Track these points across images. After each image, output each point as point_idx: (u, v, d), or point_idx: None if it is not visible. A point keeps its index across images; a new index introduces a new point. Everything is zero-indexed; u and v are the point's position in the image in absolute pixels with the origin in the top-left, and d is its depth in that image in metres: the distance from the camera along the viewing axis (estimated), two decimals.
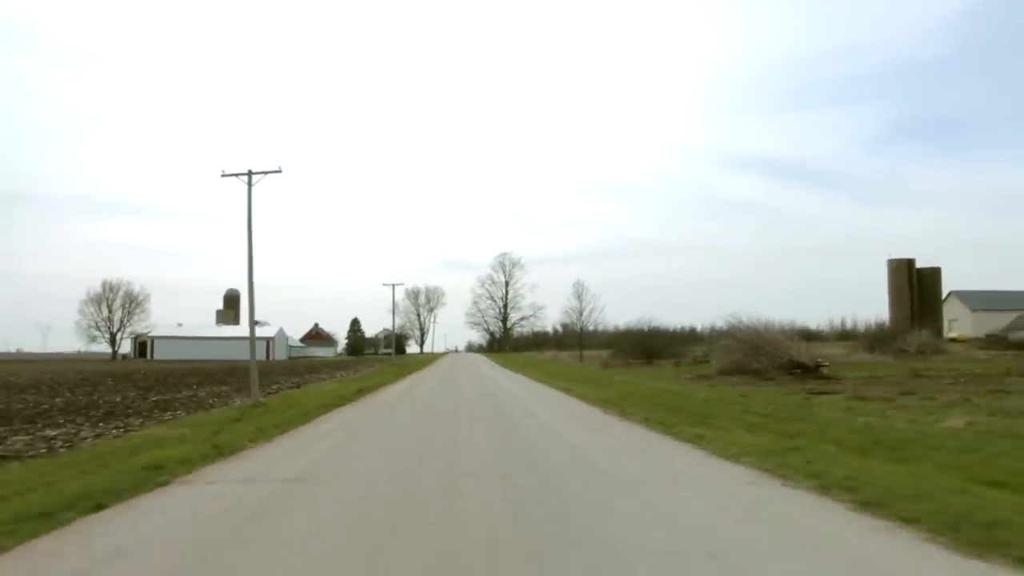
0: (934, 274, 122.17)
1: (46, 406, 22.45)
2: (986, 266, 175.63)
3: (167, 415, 19.50)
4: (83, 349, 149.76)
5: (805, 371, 35.46)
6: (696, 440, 11.12)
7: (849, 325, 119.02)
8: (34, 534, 5.97)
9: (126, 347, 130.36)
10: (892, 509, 6.19)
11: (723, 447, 10.22)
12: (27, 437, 14.93)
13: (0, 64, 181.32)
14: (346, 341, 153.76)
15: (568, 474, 8.87)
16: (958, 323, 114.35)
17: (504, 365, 62.10)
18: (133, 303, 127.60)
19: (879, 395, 19.34)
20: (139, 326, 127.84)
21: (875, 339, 76.13)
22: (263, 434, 13.03)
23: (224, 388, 32.24)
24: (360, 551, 5.50)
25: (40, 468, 10.41)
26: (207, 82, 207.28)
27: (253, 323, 24.01)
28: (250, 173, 21.32)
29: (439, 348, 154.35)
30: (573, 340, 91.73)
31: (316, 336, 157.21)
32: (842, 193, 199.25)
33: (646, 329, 68.37)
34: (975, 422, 12.78)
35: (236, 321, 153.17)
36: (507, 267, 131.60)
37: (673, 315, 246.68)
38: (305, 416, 16.84)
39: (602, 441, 12.33)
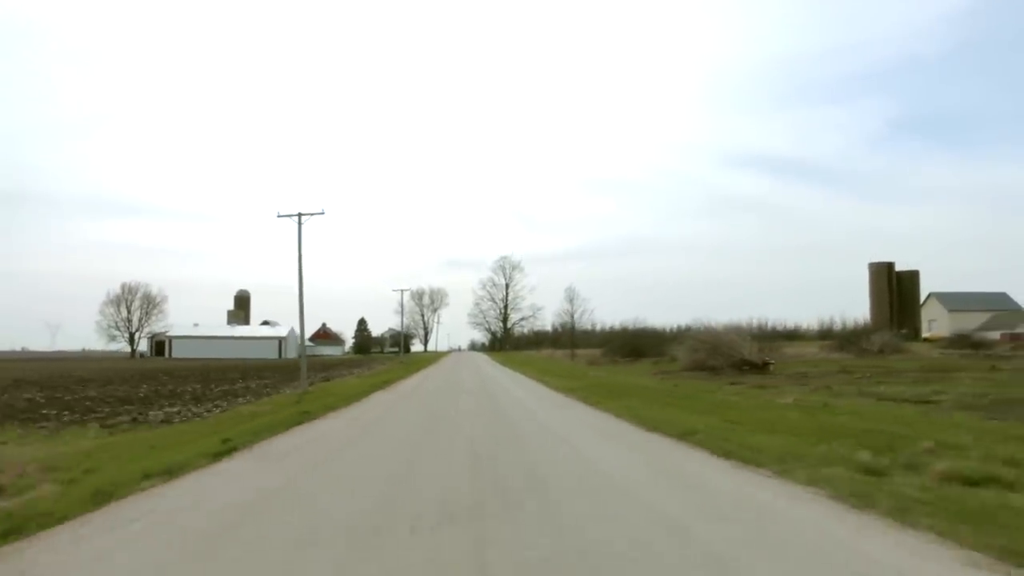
0: (913, 277, 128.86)
1: (141, 394, 29.00)
2: (986, 264, 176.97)
3: (239, 400, 25.99)
4: (87, 348, 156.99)
5: (753, 368, 41.82)
6: (601, 406, 17.90)
7: (838, 324, 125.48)
8: (256, 441, 12.46)
9: (140, 346, 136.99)
10: (656, 426, 12.85)
11: (611, 409, 16.83)
12: (160, 412, 21.42)
13: (9, 61, 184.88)
14: (353, 340, 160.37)
15: (519, 419, 15.62)
16: (937, 323, 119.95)
17: (501, 363, 68.72)
18: (151, 304, 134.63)
19: (774, 384, 25.83)
20: (156, 326, 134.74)
21: (845, 339, 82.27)
22: (331, 408, 19.60)
23: (267, 381, 38.71)
24: (418, 439, 12.12)
25: (202, 426, 16.89)
26: (211, 81, 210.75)
27: (304, 334, 30.44)
28: (300, 215, 27.84)
29: (442, 347, 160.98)
30: (568, 339, 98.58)
31: (324, 335, 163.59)
32: (844, 190, 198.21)
33: (633, 329, 75.25)
34: (802, 400, 19.23)
35: (246, 321, 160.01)
36: (507, 270, 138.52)
37: (674, 313, 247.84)
38: (350, 399, 23.42)
39: (546, 407, 19.26)
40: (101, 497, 7.35)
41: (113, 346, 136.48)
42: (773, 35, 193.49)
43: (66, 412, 20.93)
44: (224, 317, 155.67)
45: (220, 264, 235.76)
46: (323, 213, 28.27)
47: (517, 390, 28.34)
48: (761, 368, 42.40)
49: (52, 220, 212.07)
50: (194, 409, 22.02)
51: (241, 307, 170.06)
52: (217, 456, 10.27)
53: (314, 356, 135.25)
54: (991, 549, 4.95)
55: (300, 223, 27.85)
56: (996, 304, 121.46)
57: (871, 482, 7.37)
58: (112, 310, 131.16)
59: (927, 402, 18.75)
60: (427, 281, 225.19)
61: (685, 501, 7.03)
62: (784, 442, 10.43)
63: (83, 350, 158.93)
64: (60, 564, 5.25)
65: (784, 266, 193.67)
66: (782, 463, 8.67)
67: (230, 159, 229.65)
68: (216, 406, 22.83)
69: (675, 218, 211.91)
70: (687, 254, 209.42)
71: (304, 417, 16.32)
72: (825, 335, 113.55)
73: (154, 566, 5.13)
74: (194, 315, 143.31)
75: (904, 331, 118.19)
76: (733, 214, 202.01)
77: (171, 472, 8.84)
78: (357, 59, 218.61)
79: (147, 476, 8.53)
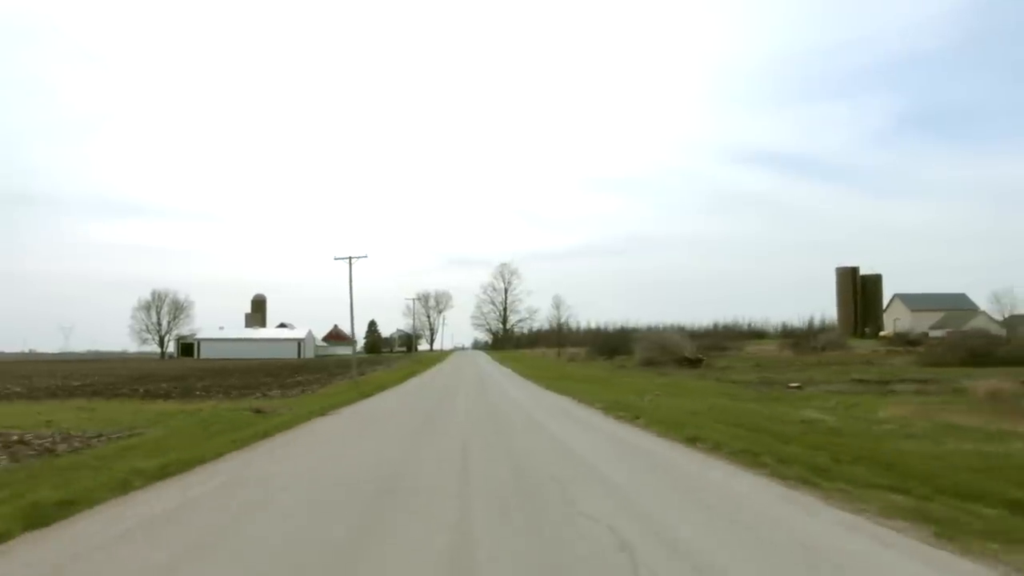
0: (876, 280, 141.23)
1: (247, 383, 41.02)
2: (987, 259, 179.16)
3: (314, 386, 37.86)
4: (91, 348, 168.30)
5: (690, 363, 53.82)
6: (543, 384, 30.52)
7: (804, 323, 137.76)
8: (353, 401, 24.63)
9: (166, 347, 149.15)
10: (566, 393, 25.26)
11: (550, 387, 29.08)
12: (280, 391, 33.42)
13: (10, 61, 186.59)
14: (364, 340, 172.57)
15: (494, 389, 28.07)
16: (900, 322, 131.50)
17: (496, 360, 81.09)
18: (178, 309, 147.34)
19: (698, 373, 37.93)
20: (183, 329, 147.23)
21: (797, 338, 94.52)
22: (383, 388, 31.78)
23: (317, 376, 50.70)
24: (443, 400, 24.39)
25: (326, 394, 29.01)
26: (215, 80, 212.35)
27: (354, 343, 42.42)
28: (351, 258, 39.99)
29: (447, 346, 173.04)
30: (563, 339, 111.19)
31: (336, 336, 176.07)
32: (850, 185, 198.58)
33: (610, 330, 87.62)
34: (680, 382, 31.35)
35: (263, 323, 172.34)
36: (506, 276, 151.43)
37: (678, 309, 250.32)
38: (393, 384, 35.53)
39: (517, 384, 31.94)
40: (336, 407, 19.59)
41: (146, 348, 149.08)
42: (777, 31, 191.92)
43: (242, 390, 33.04)
44: (237, 316, 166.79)
45: (228, 264, 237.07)
46: (366, 256, 40.47)
47: (501, 378, 40.59)
48: (695, 363, 54.40)
49: (58, 221, 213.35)
50: (297, 390, 34.08)
51: (258, 310, 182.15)
52: (361, 397, 22.52)
53: (329, 356, 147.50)
54: (676, 436, 17.10)
55: (351, 265, 40.10)
56: (954, 304, 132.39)
57: (631, 405, 19.37)
58: (143, 315, 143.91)
59: (746, 383, 30.92)
60: (432, 279, 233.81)
61: (556, 419, 19.15)
62: (617, 398, 22.53)
63: (87, 351, 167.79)
64: (334, 423, 17.42)
65: (789, 261, 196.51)
66: (608, 404, 20.75)
67: (236, 159, 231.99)
68: (304, 390, 34.86)
69: (679, 215, 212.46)
70: (691, 250, 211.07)
71: (374, 392, 28.53)
72: (788, 334, 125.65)
73: (371, 421, 17.35)
74: (205, 315, 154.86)
75: (868, 329, 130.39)
76: (739, 210, 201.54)
77: (351, 402, 21.06)
78: (366, 61, 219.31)
79: (342, 405, 20.72)
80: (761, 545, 5.75)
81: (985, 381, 20.20)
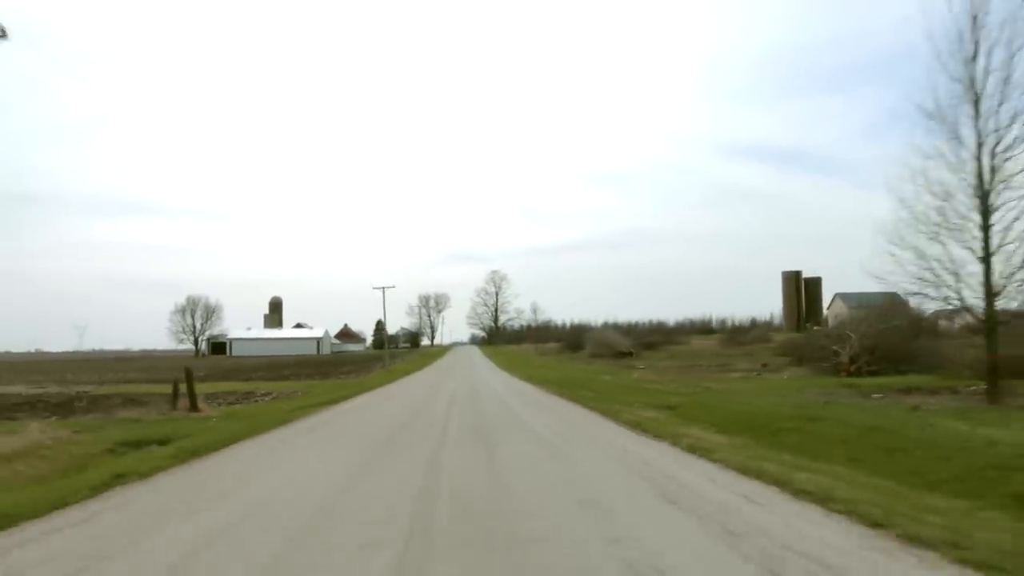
0: (816, 282, 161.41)
1: (301, 373, 61.29)
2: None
3: (352, 375, 58.08)
4: (97, 347, 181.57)
5: (623, 355, 74.04)
6: (505, 368, 51.31)
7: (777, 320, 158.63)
8: (421, 367, 45.18)
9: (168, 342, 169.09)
10: (512, 372, 45.92)
11: (512, 371, 49.63)
12: (338, 378, 53.70)
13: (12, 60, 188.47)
14: (372, 338, 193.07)
15: (478, 371, 48.67)
16: (838, 318, 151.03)
17: (486, 355, 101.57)
18: (210, 312, 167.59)
19: (626, 364, 58.28)
20: (214, 330, 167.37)
21: (732, 333, 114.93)
22: (415, 371, 52.35)
23: (359, 367, 70.95)
24: (450, 371, 44.91)
25: (376, 377, 49.48)
26: (220, 77, 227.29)
27: (387, 345, 62.77)
28: (384, 288, 60.06)
29: (447, 340, 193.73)
30: (540, 336, 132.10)
31: (347, 334, 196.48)
32: (844, 179, 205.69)
33: (576, 327, 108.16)
34: (595, 367, 51.78)
35: (280, 324, 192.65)
36: (497, 281, 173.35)
37: (672, 301, 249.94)
38: (417, 369, 55.91)
39: (488, 365, 53.38)
40: (399, 376, 40.19)
41: (181, 346, 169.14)
42: (771, 25, 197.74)
43: (322, 375, 53.46)
44: (250, 314, 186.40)
45: (233, 261, 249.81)
46: (394, 287, 60.58)
47: (482, 365, 60.97)
48: (627, 355, 74.64)
49: (60, 220, 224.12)
50: (351, 376, 54.33)
51: (275, 311, 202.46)
52: (405, 374, 43.20)
53: (341, 352, 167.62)
54: (541, 385, 37.73)
55: (384, 296, 60.16)
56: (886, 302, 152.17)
57: (536, 376, 39.72)
58: (179, 317, 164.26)
59: (624, 365, 51.43)
60: (433, 274, 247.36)
61: (497, 376, 39.66)
62: (532, 374, 42.96)
63: (92, 350, 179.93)
64: (395, 389, 37.97)
65: (782, 255, 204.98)
66: (525, 375, 41.14)
67: (240, 158, 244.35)
68: (359, 374, 55.02)
69: (676, 209, 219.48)
70: (687, 244, 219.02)
71: (412, 371, 49.03)
72: (726, 330, 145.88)
73: (420, 379, 37.98)
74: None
75: (808, 324, 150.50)
76: (732, 204, 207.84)
77: (403, 376, 41.83)
78: (369, 60, 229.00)
79: (397, 378, 41.27)
80: (550, 413, 26.18)
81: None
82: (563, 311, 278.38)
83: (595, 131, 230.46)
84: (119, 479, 8.95)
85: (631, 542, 5.75)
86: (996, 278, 14.71)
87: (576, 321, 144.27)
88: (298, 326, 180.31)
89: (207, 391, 29.54)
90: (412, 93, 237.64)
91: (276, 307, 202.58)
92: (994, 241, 14.71)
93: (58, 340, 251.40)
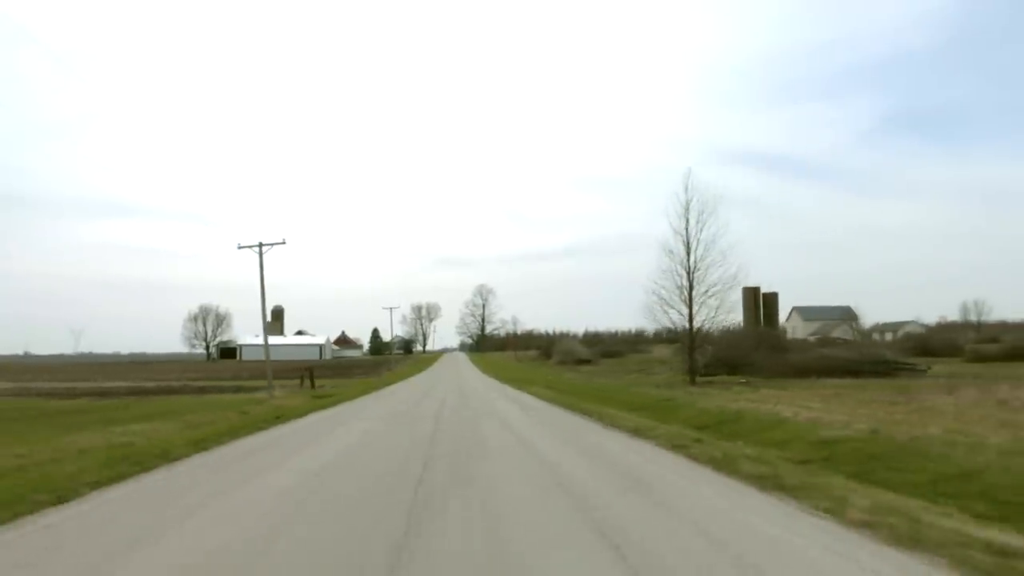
0: (774, 297, 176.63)
1: (323, 375, 77.04)
2: (978, 258, 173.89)
3: (373, 375, 73.84)
4: (87, 351, 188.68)
5: (583, 362, 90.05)
6: (484, 371, 67.73)
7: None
8: (420, 371, 61.39)
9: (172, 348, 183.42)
10: (490, 374, 62.41)
11: (490, 374, 65.98)
12: (357, 378, 69.59)
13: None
14: (368, 345, 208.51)
15: (464, 373, 64.84)
16: (796, 330, 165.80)
17: (472, 362, 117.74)
18: (220, 320, 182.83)
19: (588, 369, 74.52)
20: (224, 336, 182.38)
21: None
22: (417, 372, 68.59)
23: (360, 370, 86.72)
24: (443, 372, 61.12)
25: (391, 375, 65.59)
26: (209, 85, 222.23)
27: (393, 343, 78.81)
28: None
29: (438, 347, 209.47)
30: (520, 344, 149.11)
31: (345, 341, 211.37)
32: (837, 186, 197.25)
33: (551, 336, 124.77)
34: (559, 372, 68.13)
35: (281, 331, 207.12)
36: (484, 295, 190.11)
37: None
38: (416, 372, 71.99)
39: (471, 370, 69.60)
40: (407, 376, 56.52)
41: (173, 350, 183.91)
42: (763, 30, 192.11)
43: (334, 377, 69.47)
44: (247, 320, 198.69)
45: (222, 264, 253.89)
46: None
47: (468, 371, 77.05)
48: (587, 362, 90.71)
49: (52, 224, 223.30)
50: (369, 377, 70.16)
51: (276, 319, 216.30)
52: (410, 375, 59.52)
53: (341, 358, 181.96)
54: (509, 383, 54.10)
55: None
56: (840, 315, 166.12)
57: (506, 377, 55.90)
58: (192, 324, 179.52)
59: (588, 371, 67.86)
60: (421, 281, 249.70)
61: (476, 376, 55.91)
62: (502, 374, 59.18)
63: (88, 353, 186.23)
64: (408, 383, 54.18)
65: (775, 260, 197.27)
66: (499, 376, 57.32)
67: (231, 160, 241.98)
68: (370, 376, 70.82)
69: (666, 215, 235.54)
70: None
71: (415, 372, 65.19)
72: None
73: (426, 376, 54.26)
74: None
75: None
76: (725, 210, 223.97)
77: (413, 375, 58.12)
78: (357, 65, 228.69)
79: (406, 377, 57.53)
80: (502, 391, 42.42)
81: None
82: (550, 318, 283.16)
83: (585, 136, 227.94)
84: (321, 409, 25.35)
85: (530, 444, 21.83)
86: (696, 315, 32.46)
87: (557, 330, 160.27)
88: (299, 333, 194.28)
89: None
90: (401, 97, 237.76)
91: (278, 315, 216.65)
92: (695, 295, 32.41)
93: (48, 344, 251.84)
